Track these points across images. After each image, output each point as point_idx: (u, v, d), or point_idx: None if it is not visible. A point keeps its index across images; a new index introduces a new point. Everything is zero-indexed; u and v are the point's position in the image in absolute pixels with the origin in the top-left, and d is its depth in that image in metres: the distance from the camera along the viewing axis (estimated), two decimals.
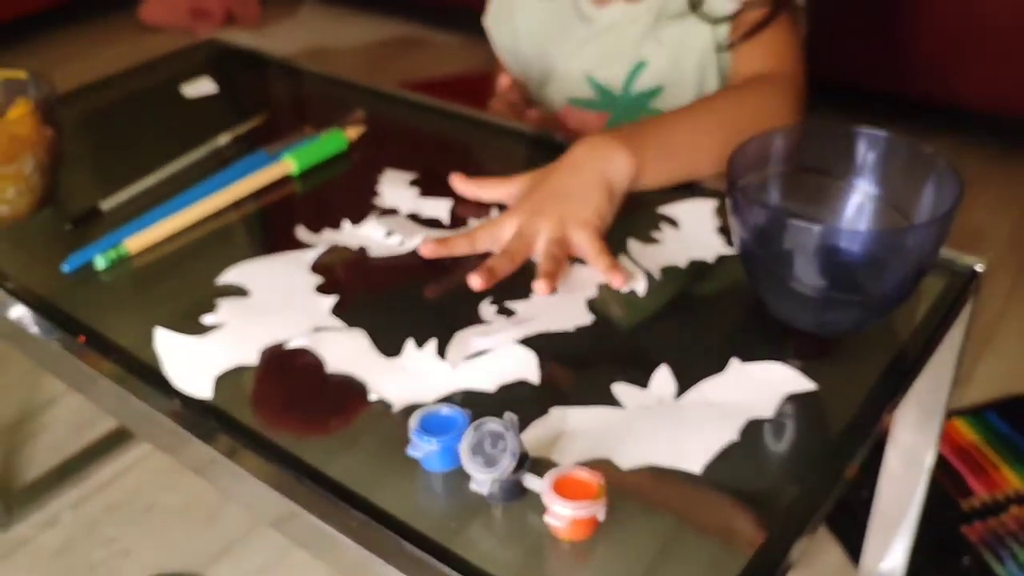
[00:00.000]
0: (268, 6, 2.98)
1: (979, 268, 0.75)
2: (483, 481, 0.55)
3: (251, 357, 0.68)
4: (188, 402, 0.65)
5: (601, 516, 0.54)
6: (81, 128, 1.03)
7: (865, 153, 0.70)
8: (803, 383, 0.64)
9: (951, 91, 2.11)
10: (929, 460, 0.88)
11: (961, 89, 2.10)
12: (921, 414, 0.84)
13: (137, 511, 1.28)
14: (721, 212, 0.82)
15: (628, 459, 0.58)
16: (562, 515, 0.53)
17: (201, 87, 1.10)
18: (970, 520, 1.15)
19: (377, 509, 0.56)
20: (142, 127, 1.05)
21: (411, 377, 0.65)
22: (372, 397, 0.64)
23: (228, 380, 0.66)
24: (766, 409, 0.62)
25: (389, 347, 0.68)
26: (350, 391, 0.65)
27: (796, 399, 0.63)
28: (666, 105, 1.04)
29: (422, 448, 0.57)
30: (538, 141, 0.97)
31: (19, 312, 0.75)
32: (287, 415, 0.64)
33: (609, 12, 1.05)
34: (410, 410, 0.62)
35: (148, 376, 0.67)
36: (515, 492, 0.56)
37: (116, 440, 1.38)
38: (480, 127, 1.00)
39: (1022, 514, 1.16)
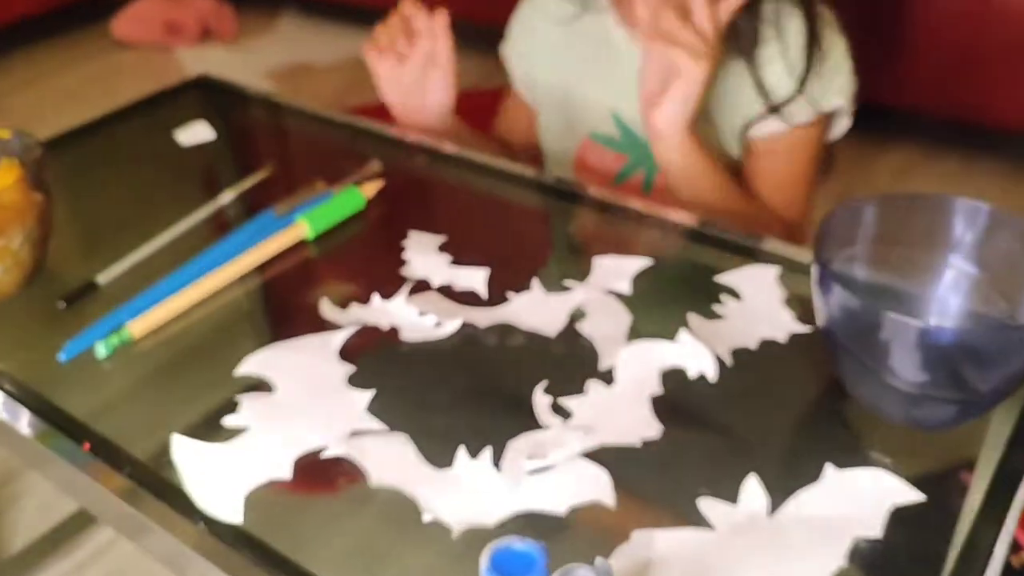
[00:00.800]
0: (245, 20, 2.88)
1: None
2: None
3: (284, 469, 0.60)
4: (215, 527, 0.57)
5: None
6: (67, 185, 0.94)
7: (964, 227, 0.63)
8: (910, 494, 0.57)
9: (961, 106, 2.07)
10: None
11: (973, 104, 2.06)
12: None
13: None
14: (785, 281, 0.75)
15: None
16: None
17: (196, 133, 1.02)
18: (1016, 550, 1.09)
19: None
20: (135, 182, 0.96)
21: (467, 494, 0.58)
22: (426, 518, 0.57)
23: (259, 498, 0.59)
24: (873, 526, 0.55)
25: (437, 455, 0.61)
26: (401, 510, 0.57)
27: (904, 512, 0.56)
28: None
29: None
30: (570, 195, 0.89)
31: (7, 409, 0.67)
32: (329, 539, 0.57)
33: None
34: (471, 536, 0.55)
35: (165, 493, 0.59)
36: None
37: (84, 519, 1.28)
38: (507, 179, 0.92)
39: None
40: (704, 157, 0.90)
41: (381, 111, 1.03)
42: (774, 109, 0.91)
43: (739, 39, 0.90)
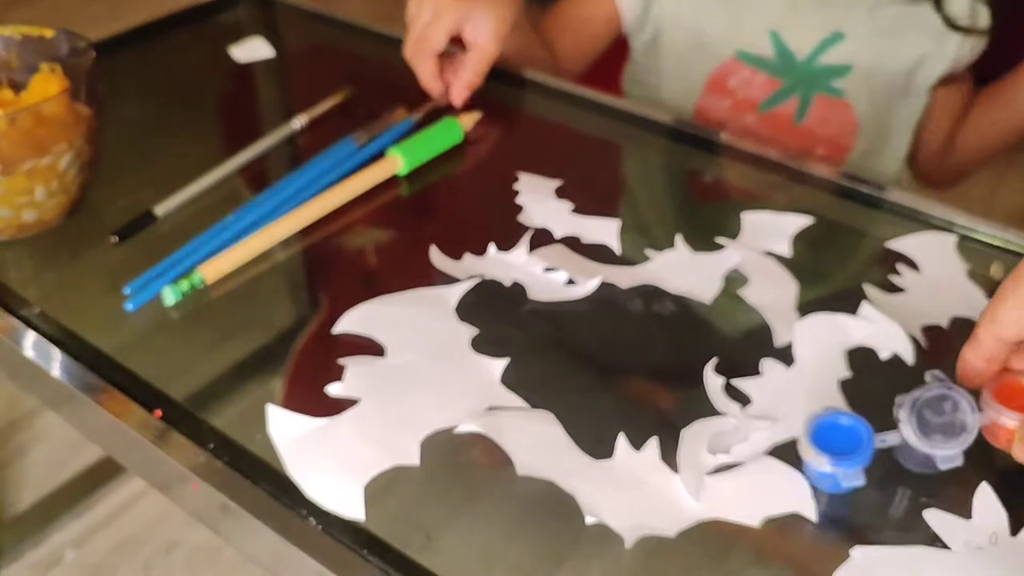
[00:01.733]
0: None
1: None
2: (955, 455, 0.47)
3: (410, 454, 0.49)
4: (329, 522, 0.46)
5: None
6: (111, 100, 0.82)
7: None
8: None
9: None
10: None
11: None
12: None
13: (157, 551, 1.08)
14: (964, 251, 0.64)
15: None
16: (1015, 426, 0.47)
17: (254, 50, 0.89)
18: None
19: None
20: (190, 101, 0.83)
21: (636, 493, 0.47)
22: (589, 520, 0.46)
23: (381, 489, 0.48)
24: None
25: (592, 443, 0.50)
26: (555, 508, 0.47)
27: None
28: (849, 90, 0.87)
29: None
30: (697, 139, 0.78)
31: (60, 365, 0.55)
32: (465, 540, 0.46)
33: None
34: (643, 544, 0.45)
35: (261, 478, 0.48)
36: None
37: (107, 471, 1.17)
38: (622, 118, 0.80)
39: None
40: None
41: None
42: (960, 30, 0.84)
43: None
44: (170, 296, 0.59)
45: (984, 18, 0.85)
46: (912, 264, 0.63)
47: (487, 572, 0.45)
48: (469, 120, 0.75)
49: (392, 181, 0.71)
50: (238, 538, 0.50)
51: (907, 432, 0.47)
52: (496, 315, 0.59)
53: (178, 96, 0.84)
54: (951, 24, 0.83)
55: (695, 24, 0.89)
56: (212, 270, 0.61)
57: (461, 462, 0.49)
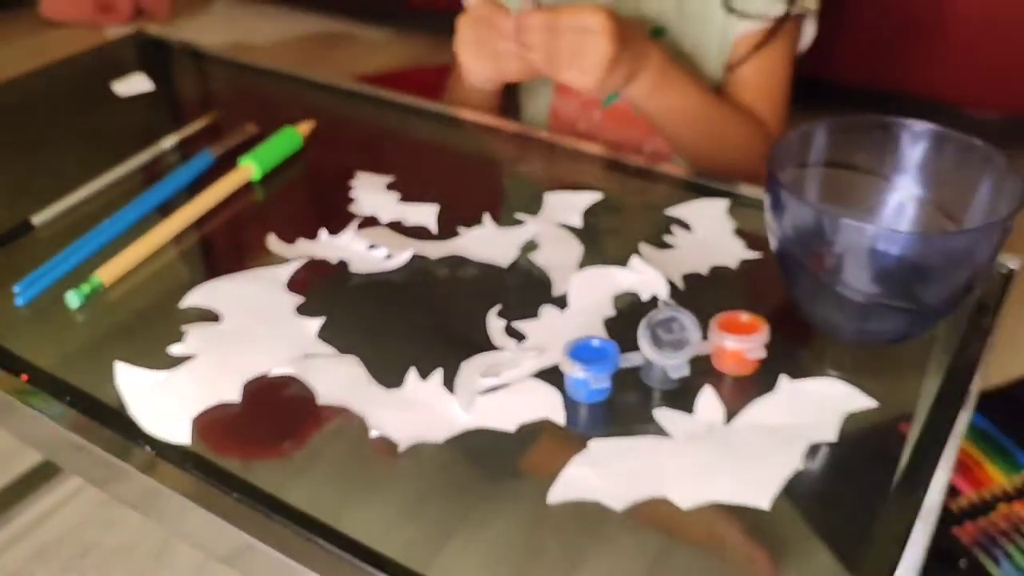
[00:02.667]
0: (178, 0, 2.83)
1: (1014, 266, 0.70)
2: (682, 365, 0.58)
3: (232, 392, 0.59)
4: (163, 449, 0.55)
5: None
6: (1, 132, 0.92)
7: (909, 148, 0.64)
8: (862, 400, 0.58)
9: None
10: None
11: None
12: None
13: (74, 555, 1.15)
14: (734, 213, 0.75)
15: (688, 497, 0.51)
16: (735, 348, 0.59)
17: (134, 84, 0.99)
18: (961, 521, 1.12)
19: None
20: (71, 130, 0.93)
21: (416, 412, 0.57)
22: (373, 433, 0.56)
23: (207, 420, 0.57)
24: (828, 431, 0.55)
25: (388, 377, 0.60)
26: (348, 427, 0.56)
27: (857, 418, 0.57)
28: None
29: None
30: (516, 136, 0.89)
31: None
32: (275, 453, 0.55)
33: None
34: (416, 449, 0.54)
35: (110, 420, 0.57)
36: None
37: (45, 472, 1.25)
38: (448, 123, 0.91)
39: (1010, 512, 1.13)
40: (684, 93, 0.87)
41: (387, 79, 1.02)
42: None
43: None
44: (74, 300, 0.67)
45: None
46: (686, 226, 0.74)
47: (291, 478, 0.54)
48: (306, 127, 0.85)
49: (248, 187, 0.81)
50: (87, 470, 0.59)
51: (643, 346, 0.58)
52: (321, 286, 0.69)
53: (61, 127, 0.93)
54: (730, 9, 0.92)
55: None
56: (108, 273, 0.70)
57: (275, 398, 0.59)
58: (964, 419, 0.57)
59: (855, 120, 0.65)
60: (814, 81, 1.41)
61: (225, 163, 0.82)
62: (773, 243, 0.62)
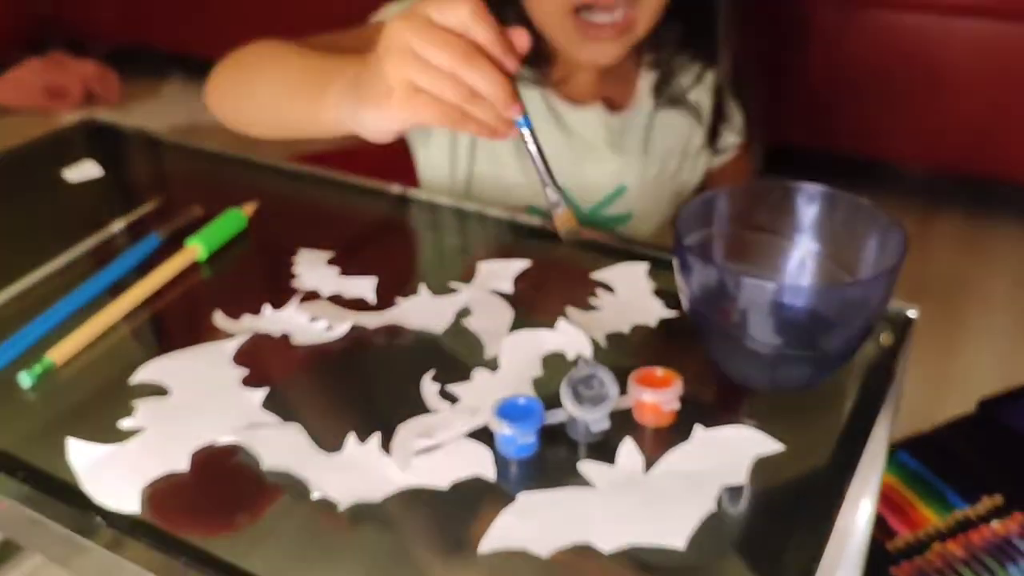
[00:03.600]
0: (129, 84, 2.88)
1: (912, 315, 0.76)
2: (602, 419, 0.62)
3: (180, 462, 0.62)
4: (113, 519, 0.58)
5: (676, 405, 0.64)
6: None
7: (805, 209, 0.70)
8: (770, 444, 0.62)
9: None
10: (870, 508, 0.87)
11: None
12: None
13: None
14: (654, 275, 0.80)
15: (609, 541, 0.55)
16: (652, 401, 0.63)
17: (84, 171, 1.03)
18: (898, 561, 1.16)
19: None
20: (20, 217, 0.97)
21: (355, 474, 0.61)
22: (315, 495, 0.59)
23: (157, 490, 0.60)
24: (738, 474, 0.60)
25: (328, 442, 0.63)
26: (292, 490, 0.60)
27: (766, 461, 0.61)
28: (629, 231, 1.07)
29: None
30: (450, 210, 0.94)
31: None
32: (224, 521, 0.59)
33: (583, 115, 1.01)
34: (357, 509, 0.58)
35: (65, 495, 0.60)
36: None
37: (6, 553, 1.25)
38: (386, 199, 0.96)
39: (944, 551, 1.17)
40: None
41: (331, 157, 1.07)
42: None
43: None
44: (26, 380, 0.70)
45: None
46: (609, 288, 0.79)
47: (238, 542, 0.57)
48: (250, 208, 0.90)
49: (195, 267, 0.85)
50: (46, 547, 0.61)
51: (566, 402, 0.62)
52: (265, 359, 0.72)
53: (9, 215, 0.97)
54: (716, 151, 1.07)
55: (497, 180, 1.04)
56: (60, 353, 0.73)
57: (223, 466, 0.62)
58: (872, 455, 0.62)
59: (754, 185, 0.71)
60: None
61: (172, 244, 0.86)
62: (684, 302, 0.67)
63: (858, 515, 0.83)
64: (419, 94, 0.62)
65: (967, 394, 1.46)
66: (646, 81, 1.03)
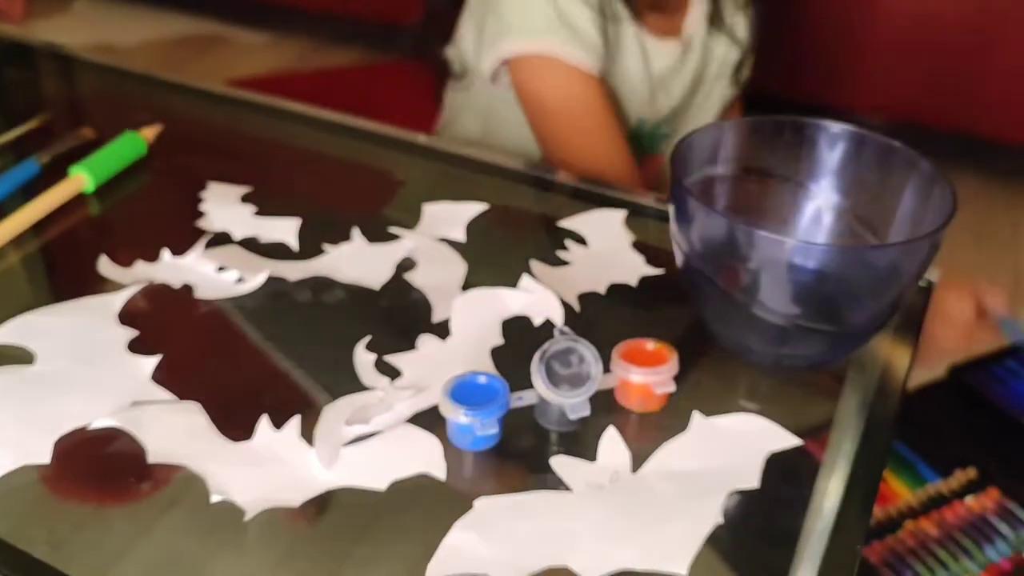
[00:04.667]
0: (36, 1, 2.64)
1: (934, 279, 0.65)
2: (581, 404, 0.49)
3: (40, 453, 0.48)
4: None
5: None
6: None
7: (825, 152, 0.58)
8: (786, 438, 0.50)
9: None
10: None
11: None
12: None
13: None
14: (632, 224, 0.68)
15: (592, 566, 0.43)
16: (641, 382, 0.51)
17: None
18: (868, 541, 1.07)
19: None
20: None
21: (268, 470, 0.48)
22: (214, 498, 0.46)
23: (10, 491, 0.46)
24: (749, 476, 0.48)
25: (235, 427, 0.50)
26: (185, 491, 0.47)
27: (781, 458, 0.50)
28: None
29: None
30: (393, 141, 0.80)
31: None
32: (94, 536, 0.45)
33: (664, 47, 0.97)
34: (265, 517, 0.45)
35: None
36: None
37: None
38: (317, 127, 0.81)
39: (916, 529, 1.08)
40: None
41: (260, 84, 0.92)
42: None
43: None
44: None
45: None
46: (581, 240, 0.66)
47: (114, 568, 0.44)
48: (150, 132, 0.75)
49: (80, 198, 0.70)
50: None
51: (537, 383, 0.49)
52: (161, 316, 0.58)
53: None
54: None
55: None
56: None
57: (96, 456, 0.49)
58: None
59: (766, 121, 0.59)
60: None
61: (57, 172, 0.71)
62: (679, 258, 0.55)
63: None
64: None
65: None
66: (699, 9, 0.99)
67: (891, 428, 0.54)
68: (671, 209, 0.54)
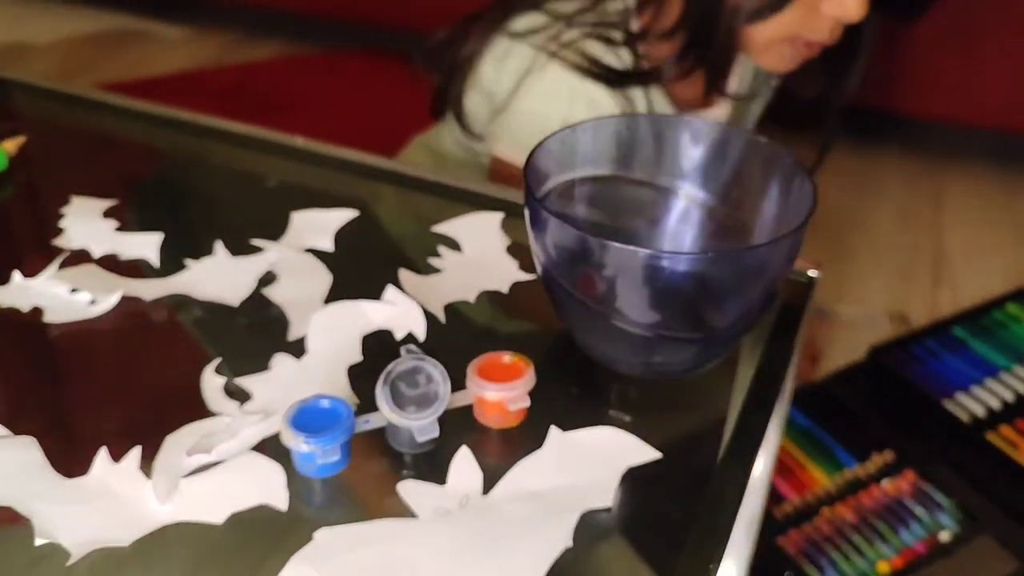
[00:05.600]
0: None
1: (814, 274, 0.64)
2: (429, 426, 0.48)
3: None
4: None
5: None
6: None
7: (689, 148, 0.56)
8: (645, 451, 0.49)
9: None
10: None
11: None
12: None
13: None
14: (508, 227, 0.66)
15: None
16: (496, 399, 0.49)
17: None
18: (785, 530, 1.07)
19: None
20: None
21: (100, 507, 0.45)
22: (39, 542, 0.44)
23: None
24: (603, 495, 0.47)
25: (73, 461, 0.48)
26: (10, 534, 0.44)
27: (637, 474, 0.48)
28: None
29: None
30: (272, 146, 0.77)
31: None
32: None
33: (713, 115, 0.94)
34: (95, 558, 0.43)
35: None
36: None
37: None
38: (196, 133, 0.79)
39: (833, 516, 1.09)
40: None
41: (124, 88, 0.88)
42: None
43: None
44: None
45: None
46: (455, 245, 0.65)
47: None
48: (12, 145, 0.72)
49: None
50: None
51: (382, 405, 0.47)
52: (6, 343, 0.56)
53: None
54: None
55: None
56: None
57: None
58: (770, 438, 0.50)
59: (627, 119, 0.57)
60: None
61: None
62: (537, 266, 0.53)
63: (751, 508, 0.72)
64: None
65: (856, 342, 1.38)
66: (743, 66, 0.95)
67: (762, 431, 0.52)
68: (526, 217, 0.52)
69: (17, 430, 0.49)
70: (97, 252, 0.63)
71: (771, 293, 0.52)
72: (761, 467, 0.50)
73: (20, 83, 0.86)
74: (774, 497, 1.11)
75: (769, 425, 0.53)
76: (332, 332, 0.56)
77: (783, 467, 1.15)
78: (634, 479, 0.48)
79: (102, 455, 0.48)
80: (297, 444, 0.46)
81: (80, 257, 0.62)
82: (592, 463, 0.48)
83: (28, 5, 2.57)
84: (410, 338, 0.56)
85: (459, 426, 0.50)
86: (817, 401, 1.25)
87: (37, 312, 0.58)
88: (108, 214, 0.67)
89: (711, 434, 0.52)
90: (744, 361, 0.57)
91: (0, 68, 0.88)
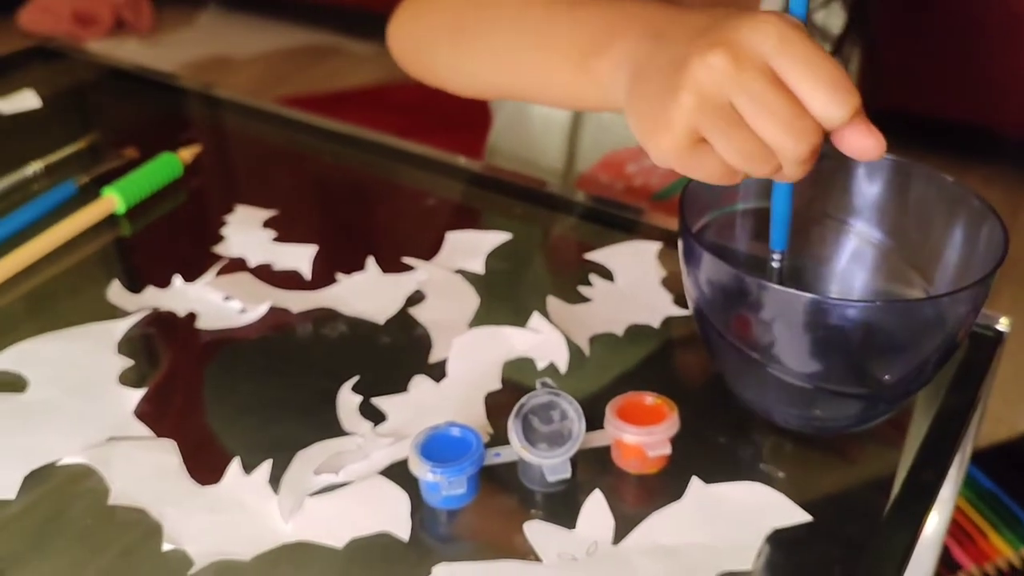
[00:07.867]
0: (163, 12, 2.74)
1: (1003, 327, 0.57)
2: (560, 465, 0.45)
3: (7, 487, 0.47)
4: None
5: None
6: None
7: (866, 184, 0.52)
8: (793, 513, 0.45)
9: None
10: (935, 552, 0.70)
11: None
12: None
13: None
14: (665, 258, 0.63)
15: None
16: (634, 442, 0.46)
17: (21, 101, 0.88)
18: None
19: None
20: None
21: (227, 518, 0.45)
22: (166, 547, 0.44)
23: None
24: (742, 556, 0.43)
25: (206, 469, 0.48)
26: (141, 537, 0.45)
27: (783, 536, 0.44)
28: None
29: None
30: (443, 167, 0.77)
31: None
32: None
33: None
34: (216, 569, 0.42)
35: None
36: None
37: None
38: (364, 148, 0.79)
39: None
40: None
41: (309, 102, 0.91)
42: None
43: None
44: None
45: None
46: (607, 274, 0.62)
47: None
48: (188, 154, 0.74)
49: (112, 219, 0.69)
50: None
51: (513, 439, 0.45)
52: (161, 346, 0.57)
53: None
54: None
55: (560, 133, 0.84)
56: None
57: (60, 496, 0.47)
58: (931, 528, 0.45)
59: None
60: None
61: (96, 193, 0.71)
62: (690, 303, 0.50)
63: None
64: (702, 149, 0.43)
65: None
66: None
67: (927, 504, 0.47)
68: (680, 251, 0.49)
69: (160, 432, 0.50)
70: (253, 261, 0.64)
71: (950, 347, 0.47)
72: (932, 528, 0.45)
73: (200, 93, 0.89)
74: (948, 564, 1.02)
75: (942, 484, 0.47)
76: (473, 357, 0.54)
77: (961, 532, 1.06)
78: (779, 542, 0.44)
79: (235, 466, 0.48)
80: (423, 473, 0.45)
81: (237, 265, 0.63)
82: (734, 520, 0.45)
83: (234, 22, 2.72)
84: (551, 369, 0.54)
85: (595, 468, 0.47)
86: (1005, 462, 1.15)
87: (191, 317, 0.59)
88: (268, 224, 0.68)
89: (872, 498, 0.48)
90: (917, 420, 0.52)
91: (198, 80, 0.91)
